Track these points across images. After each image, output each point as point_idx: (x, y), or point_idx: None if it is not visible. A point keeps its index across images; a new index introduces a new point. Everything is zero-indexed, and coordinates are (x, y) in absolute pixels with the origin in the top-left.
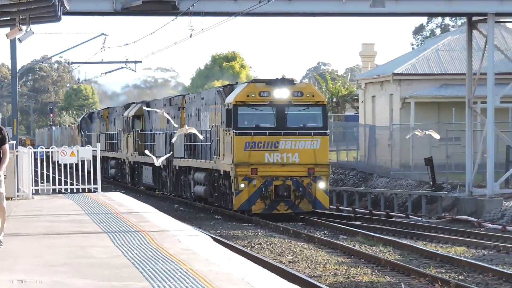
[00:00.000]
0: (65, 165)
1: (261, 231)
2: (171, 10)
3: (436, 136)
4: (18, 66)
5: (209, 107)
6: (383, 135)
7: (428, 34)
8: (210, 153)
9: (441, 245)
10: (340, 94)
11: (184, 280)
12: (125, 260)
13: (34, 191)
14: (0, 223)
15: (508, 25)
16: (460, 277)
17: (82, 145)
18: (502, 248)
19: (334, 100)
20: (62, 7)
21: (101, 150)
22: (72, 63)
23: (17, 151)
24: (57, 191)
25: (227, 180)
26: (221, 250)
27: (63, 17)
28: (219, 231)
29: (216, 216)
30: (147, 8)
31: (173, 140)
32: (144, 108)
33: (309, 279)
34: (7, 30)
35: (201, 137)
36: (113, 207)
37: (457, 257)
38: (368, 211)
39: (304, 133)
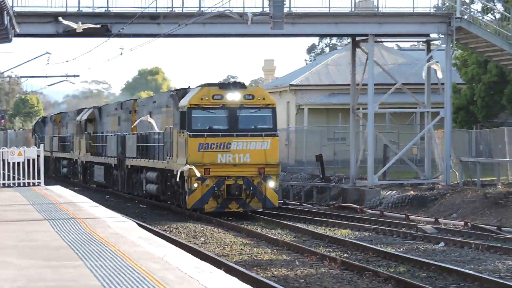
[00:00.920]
0: (14, 162)
1: (176, 217)
2: (105, 32)
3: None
4: None
5: (161, 110)
6: (281, 136)
7: (319, 52)
8: (163, 153)
9: (329, 228)
10: None
11: (112, 259)
12: (63, 243)
13: None
14: None
15: (385, 43)
16: (345, 255)
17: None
18: (380, 230)
19: None
20: (13, 31)
21: (54, 151)
22: (21, 77)
23: None
24: (6, 185)
25: (180, 179)
26: (144, 234)
27: (13, 38)
28: (142, 218)
29: (140, 205)
30: (85, 32)
31: (135, 124)
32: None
33: (218, 257)
34: None
35: (156, 128)
36: (53, 198)
37: (343, 238)
38: None
39: (255, 134)
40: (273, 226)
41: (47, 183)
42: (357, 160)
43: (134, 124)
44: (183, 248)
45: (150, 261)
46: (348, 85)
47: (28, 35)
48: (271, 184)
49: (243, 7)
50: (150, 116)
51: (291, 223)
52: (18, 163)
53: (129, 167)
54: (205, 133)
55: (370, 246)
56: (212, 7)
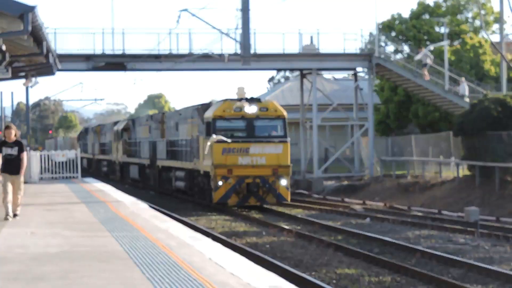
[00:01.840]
0: (59, 162)
1: (182, 204)
2: (122, 68)
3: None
4: (30, 102)
5: (186, 120)
6: None
7: (276, 81)
8: (191, 156)
9: (287, 208)
10: None
11: (130, 231)
12: (95, 219)
13: (40, 178)
14: (19, 201)
15: (324, 75)
16: (298, 227)
17: (80, 151)
18: (323, 209)
19: None
20: (56, 67)
21: (95, 154)
22: (62, 100)
23: (29, 154)
24: (53, 178)
25: (206, 178)
26: (154, 213)
27: (56, 72)
28: (154, 202)
29: (150, 192)
30: (108, 67)
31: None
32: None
33: (207, 229)
34: (23, 80)
35: (228, 140)
36: (88, 187)
37: (297, 215)
38: None
39: (269, 140)
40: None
41: (84, 177)
42: (306, 159)
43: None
44: (182, 223)
45: (157, 231)
46: (298, 105)
47: (67, 70)
48: (283, 182)
49: (221, 50)
50: (177, 126)
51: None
52: (62, 162)
53: (159, 167)
54: (228, 140)
55: (317, 221)
56: (199, 49)
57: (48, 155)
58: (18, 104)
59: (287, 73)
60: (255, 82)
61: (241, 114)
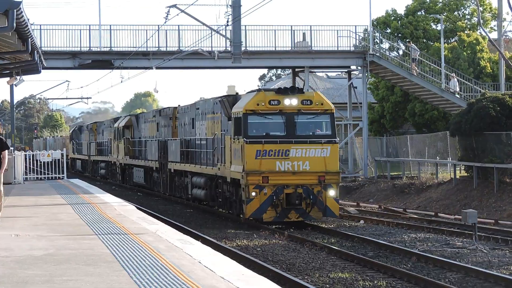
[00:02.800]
0: (45, 162)
1: (166, 203)
2: (109, 66)
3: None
4: (15, 101)
5: (205, 116)
6: None
7: (268, 79)
8: (212, 159)
9: None
10: None
11: (117, 233)
12: (82, 221)
13: (24, 178)
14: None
15: (317, 73)
16: (290, 230)
17: (73, 151)
18: None
19: None
20: (41, 65)
21: (91, 155)
22: (48, 99)
23: (14, 154)
24: (38, 178)
25: (233, 187)
26: (141, 214)
27: (42, 71)
28: (141, 202)
29: (138, 193)
30: (94, 65)
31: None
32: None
33: (196, 232)
34: (7, 79)
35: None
36: (74, 188)
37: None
38: None
39: (314, 141)
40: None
41: (70, 178)
42: None
43: None
44: (170, 225)
45: (146, 234)
46: None
47: (53, 68)
48: (332, 192)
49: (211, 47)
50: (193, 123)
51: None
52: (48, 162)
53: (172, 171)
54: (263, 140)
55: (309, 223)
56: (188, 47)
57: (33, 155)
58: (2, 102)
59: (279, 71)
60: (246, 80)
61: (279, 108)
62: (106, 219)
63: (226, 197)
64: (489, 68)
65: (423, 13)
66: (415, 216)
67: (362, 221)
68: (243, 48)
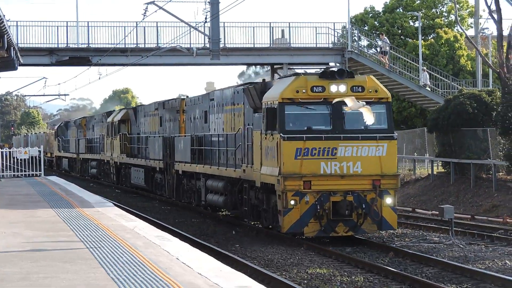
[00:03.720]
0: (22, 159)
1: (144, 200)
2: (87, 62)
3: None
4: None
5: (223, 108)
6: None
7: (247, 77)
8: (235, 159)
9: None
10: None
11: (96, 230)
12: (59, 219)
13: (1, 176)
14: None
15: (296, 70)
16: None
17: (59, 149)
18: None
19: None
20: (18, 61)
21: (80, 153)
22: (25, 95)
23: None
24: (15, 176)
25: (264, 193)
26: (119, 211)
27: (19, 67)
28: (119, 199)
29: (117, 191)
30: (72, 61)
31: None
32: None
33: (175, 229)
34: None
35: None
36: (51, 186)
37: None
38: None
39: (367, 137)
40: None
41: (48, 175)
42: None
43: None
44: (149, 222)
45: (123, 231)
46: None
47: (29, 65)
48: (389, 200)
49: (190, 44)
50: (206, 116)
51: None
52: (25, 159)
53: (179, 172)
54: (304, 135)
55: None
56: (166, 43)
57: (9, 153)
58: None
59: (258, 68)
60: (225, 77)
61: (324, 96)
62: (84, 216)
63: (253, 205)
64: (469, 66)
65: (401, 10)
66: None
67: None
68: (221, 45)
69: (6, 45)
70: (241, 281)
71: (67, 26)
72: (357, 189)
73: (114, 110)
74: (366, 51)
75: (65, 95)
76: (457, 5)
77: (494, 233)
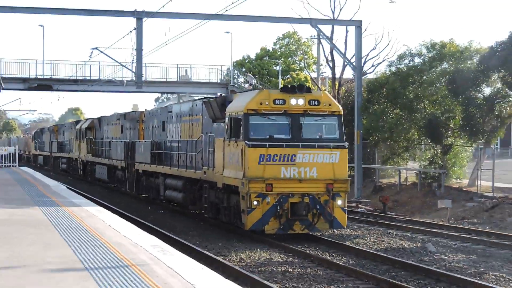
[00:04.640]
0: (2, 155)
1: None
2: (50, 89)
3: None
4: None
5: (181, 119)
6: None
7: (161, 101)
8: (195, 162)
9: None
10: None
11: (52, 205)
12: (27, 196)
13: None
14: None
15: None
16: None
17: (35, 148)
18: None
19: None
20: (1, 87)
21: (53, 152)
22: (5, 110)
23: None
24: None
25: (225, 193)
26: (71, 192)
27: (1, 91)
28: (69, 183)
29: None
30: (39, 87)
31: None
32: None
33: (107, 204)
34: None
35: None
36: (22, 173)
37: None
38: None
39: (323, 145)
40: None
41: (21, 166)
42: None
43: None
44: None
45: (72, 206)
46: None
47: (9, 89)
48: (340, 202)
49: (122, 77)
50: (164, 125)
51: None
52: (4, 155)
53: (139, 171)
54: (267, 143)
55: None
56: (105, 77)
57: None
58: None
59: (169, 95)
60: (145, 101)
61: (284, 108)
62: (45, 194)
63: (213, 203)
64: None
65: (268, 58)
66: None
67: None
68: (144, 79)
69: None
70: (153, 241)
71: (36, 63)
72: (313, 191)
73: (81, 120)
74: (243, 85)
75: (33, 110)
76: (305, 56)
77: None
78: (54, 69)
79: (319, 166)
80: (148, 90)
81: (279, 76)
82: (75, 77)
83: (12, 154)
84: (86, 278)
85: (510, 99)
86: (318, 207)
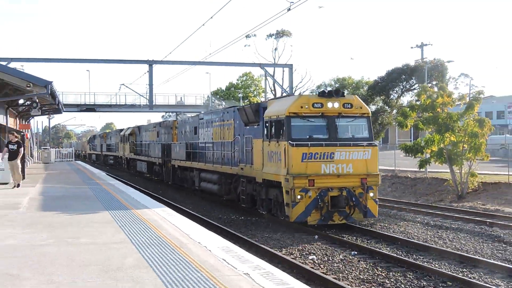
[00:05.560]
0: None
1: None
2: (93, 110)
3: None
4: (51, 125)
5: (211, 124)
6: None
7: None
8: (231, 159)
9: None
10: None
11: (98, 185)
12: (80, 179)
13: (55, 160)
14: (17, 176)
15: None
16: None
17: (90, 150)
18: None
19: None
20: (62, 109)
21: (104, 151)
22: (66, 125)
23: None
24: (61, 161)
25: (264, 188)
26: (116, 181)
27: (63, 112)
28: (112, 172)
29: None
30: (87, 109)
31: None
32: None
33: (159, 196)
34: (46, 115)
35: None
36: (78, 165)
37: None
38: None
39: (357, 143)
40: None
41: (76, 160)
42: None
43: None
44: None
45: (119, 192)
46: None
47: (67, 111)
48: (372, 194)
49: (140, 102)
50: (196, 130)
51: None
52: (65, 153)
53: (175, 166)
54: (309, 143)
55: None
56: (129, 102)
57: (58, 150)
58: (44, 127)
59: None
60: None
61: (322, 111)
62: (93, 180)
63: (250, 195)
64: None
65: (233, 89)
66: None
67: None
68: (154, 103)
69: (57, 102)
70: (204, 233)
71: (84, 94)
72: (349, 185)
73: (123, 129)
74: (217, 107)
75: (83, 125)
76: (257, 87)
77: None
78: (96, 98)
79: (354, 162)
80: (157, 110)
81: (241, 101)
82: (110, 103)
83: (70, 153)
84: (119, 231)
85: (387, 113)
86: (354, 199)
